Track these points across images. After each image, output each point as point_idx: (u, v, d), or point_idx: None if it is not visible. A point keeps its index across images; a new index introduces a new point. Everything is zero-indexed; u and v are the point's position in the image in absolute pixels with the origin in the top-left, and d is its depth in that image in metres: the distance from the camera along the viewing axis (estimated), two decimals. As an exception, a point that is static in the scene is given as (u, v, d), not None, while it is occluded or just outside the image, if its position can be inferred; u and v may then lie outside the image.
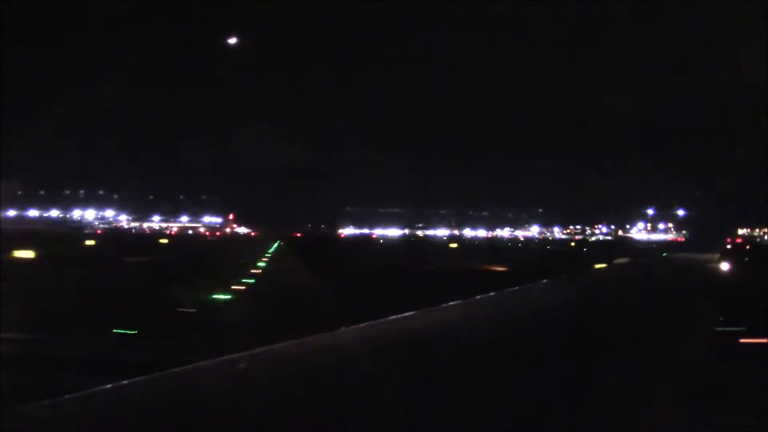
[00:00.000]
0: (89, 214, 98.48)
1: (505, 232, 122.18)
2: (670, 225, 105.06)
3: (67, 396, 1.53)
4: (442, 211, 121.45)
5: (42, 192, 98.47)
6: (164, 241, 60.86)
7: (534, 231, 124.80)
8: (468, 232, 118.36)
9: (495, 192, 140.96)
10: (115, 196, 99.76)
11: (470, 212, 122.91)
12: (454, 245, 74.62)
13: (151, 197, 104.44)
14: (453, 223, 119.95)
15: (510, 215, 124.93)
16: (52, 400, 1.50)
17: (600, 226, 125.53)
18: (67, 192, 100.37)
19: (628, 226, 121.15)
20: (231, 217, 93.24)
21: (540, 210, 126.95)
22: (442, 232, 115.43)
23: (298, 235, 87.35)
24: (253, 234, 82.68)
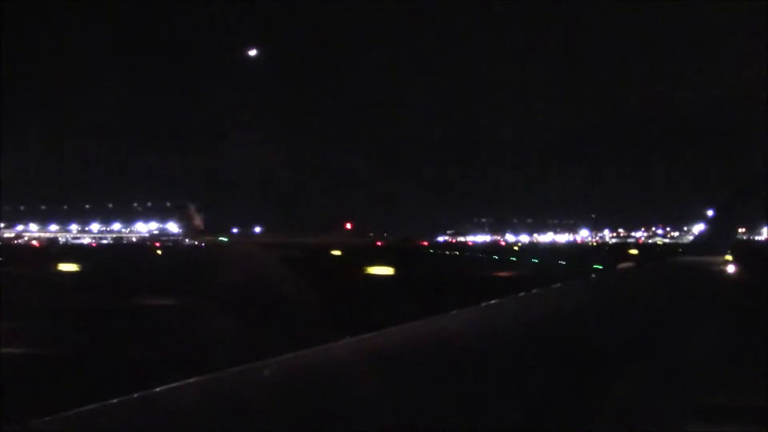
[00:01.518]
0: (151, 226, 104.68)
1: (547, 237, 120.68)
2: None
3: (84, 408, 1.46)
4: (483, 219, 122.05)
5: (110, 205, 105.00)
6: (336, 252, 56.06)
7: (584, 234, 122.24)
8: (510, 238, 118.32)
9: (540, 198, 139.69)
10: (168, 204, 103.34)
11: (514, 220, 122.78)
12: (634, 251, 66.13)
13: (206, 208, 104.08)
14: (487, 229, 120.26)
15: (556, 221, 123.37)
16: (62, 413, 1.43)
17: (655, 228, 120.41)
18: (135, 204, 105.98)
19: (685, 228, 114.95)
20: (349, 226, 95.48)
21: (593, 215, 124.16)
22: (481, 238, 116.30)
23: (425, 243, 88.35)
24: (379, 243, 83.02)
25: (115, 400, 1.53)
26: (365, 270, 28.37)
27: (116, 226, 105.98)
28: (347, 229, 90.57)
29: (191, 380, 1.74)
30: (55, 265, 33.93)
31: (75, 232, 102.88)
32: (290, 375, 1.96)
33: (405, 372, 2.04)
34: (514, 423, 1.68)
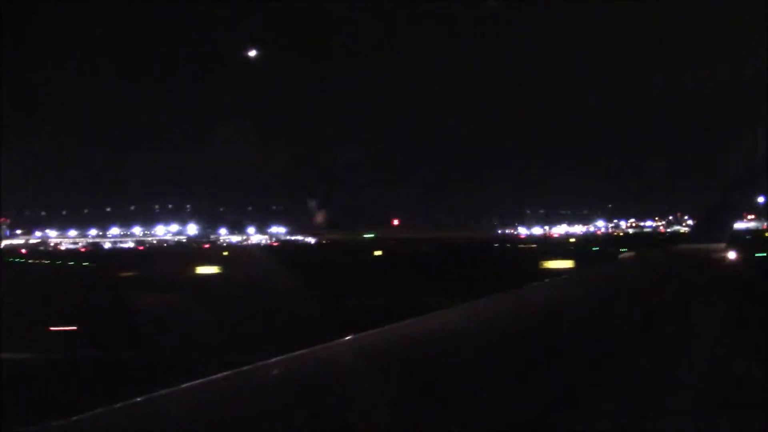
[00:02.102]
0: (172, 228, 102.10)
1: (560, 229, 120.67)
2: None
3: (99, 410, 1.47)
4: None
5: (132, 207, 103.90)
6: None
7: (599, 225, 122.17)
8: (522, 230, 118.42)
9: (551, 189, 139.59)
10: (188, 208, 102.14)
11: (527, 211, 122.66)
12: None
13: (222, 209, 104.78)
14: (495, 222, 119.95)
15: (568, 212, 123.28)
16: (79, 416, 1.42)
17: (672, 217, 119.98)
18: (156, 207, 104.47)
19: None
20: (396, 222, 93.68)
21: (609, 206, 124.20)
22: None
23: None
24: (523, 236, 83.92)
25: (122, 404, 1.56)
26: (542, 264, 27.21)
27: (137, 229, 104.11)
28: (395, 225, 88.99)
29: (199, 381, 1.78)
30: (193, 268, 32.69)
31: (93, 235, 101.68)
32: (297, 373, 2.02)
33: (406, 369, 2.10)
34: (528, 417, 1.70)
